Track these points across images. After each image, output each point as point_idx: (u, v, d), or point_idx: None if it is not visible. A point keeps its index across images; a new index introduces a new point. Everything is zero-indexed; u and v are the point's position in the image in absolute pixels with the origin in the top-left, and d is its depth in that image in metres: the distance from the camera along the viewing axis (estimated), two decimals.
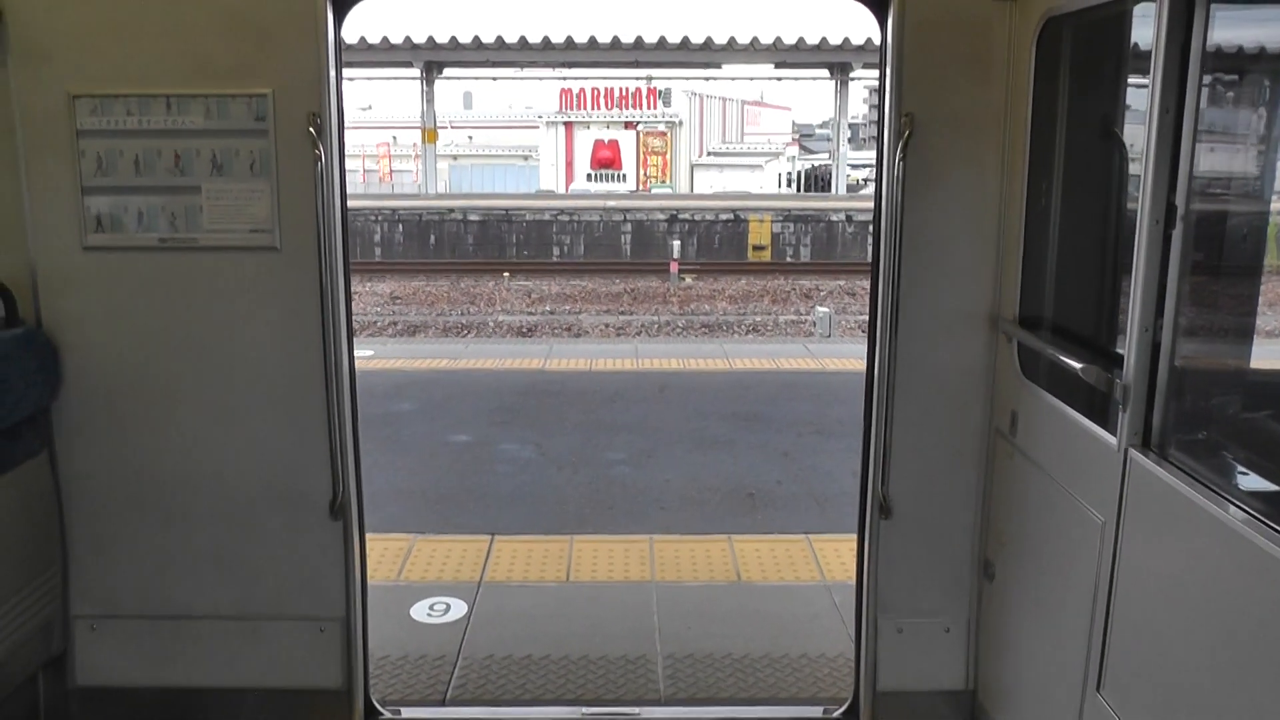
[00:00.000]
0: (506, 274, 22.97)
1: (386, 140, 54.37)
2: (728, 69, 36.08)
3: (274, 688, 3.72)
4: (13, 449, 3.36)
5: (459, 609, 4.89)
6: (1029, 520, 3.29)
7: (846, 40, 30.79)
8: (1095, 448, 2.78)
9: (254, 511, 3.60)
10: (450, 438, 8.62)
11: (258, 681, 3.72)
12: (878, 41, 3.42)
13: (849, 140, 38.34)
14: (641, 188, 44.71)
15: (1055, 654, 3.05)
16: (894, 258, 3.33)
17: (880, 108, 3.46)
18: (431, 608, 4.90)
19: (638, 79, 46.13)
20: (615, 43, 29.15)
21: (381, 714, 3.83)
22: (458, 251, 26.27)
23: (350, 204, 3.67)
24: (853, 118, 44.11)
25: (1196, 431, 2.66)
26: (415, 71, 33.03)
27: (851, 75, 34.11)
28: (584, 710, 4.01)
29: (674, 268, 22.61)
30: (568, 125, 48.83)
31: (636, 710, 4.01)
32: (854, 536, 3.79)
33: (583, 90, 48.27)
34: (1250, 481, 2.50)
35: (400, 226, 26.64)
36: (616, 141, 47.91)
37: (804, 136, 62.50)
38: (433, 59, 32.19)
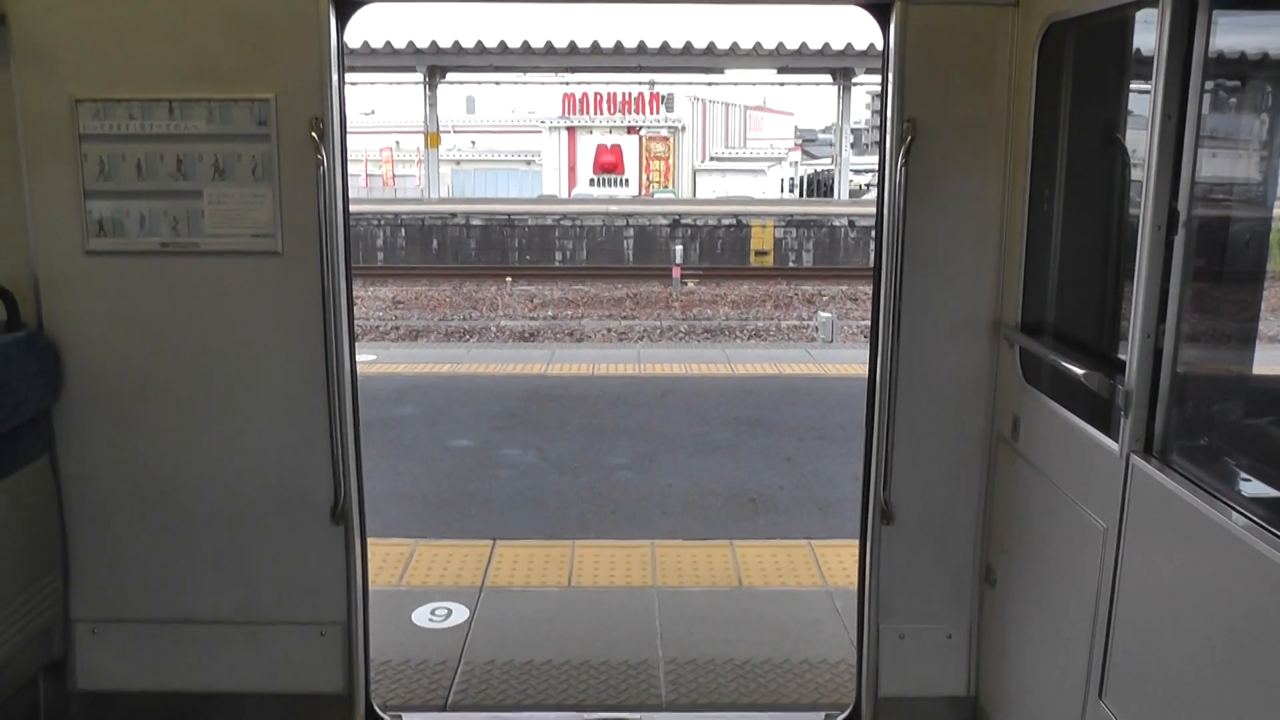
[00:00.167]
0: (509, 279, 22.99)
1: (390, 145, 54.45)
2: (730, 74, 36.12)
3: (275, 692, 3.71)
4: (14, 452, 3.36)
5: (460, 614, 4.89)
6: (1031, 526, 3.28)
7: (849, 45, 30.83)
8: (1097, 454, 2.77)
9: (255, 516, 3.60)
10: (452, 442, 8.62)
11: (259, 686, 3.71)
12: (880, 47, 3.42)
13: (851, 145, 38.36)
14: (644, 193, 44.76)
15: (1057, 660, 3.05)
16: (896, 263, 3.33)
17: (882, 113, 3.46)
18: (433, 612, 4.90)
19: (641, 84, 46.26)
20: (618, 48, 29.19)
21: (383, 719, 3.83)
22: (460, 256, 26.30)
23: (353, 208, 3.67)
24: (855, 123, 44.15)
25: (1198, 437, 2.66)
26: (418, 76, 33.11)
27: (854, 80, 34.16)
28: (586, 715, 4.00)
29: (676, 273, 22.63)
30: (570, 130, 48.91)
31: (638, 715, 4.00)
32: (856, 542, 3.78)
33: (585, 95, 48.38)
34: (1252, 488, 2.50)
35: (403, 231, 26.67)
36: (619, 146, 47.99)
37: (807, 141, 62.59)
38: (436, 63, 32.26)
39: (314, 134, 3.27)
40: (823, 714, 3.97)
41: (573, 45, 29.23)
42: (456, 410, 9.60)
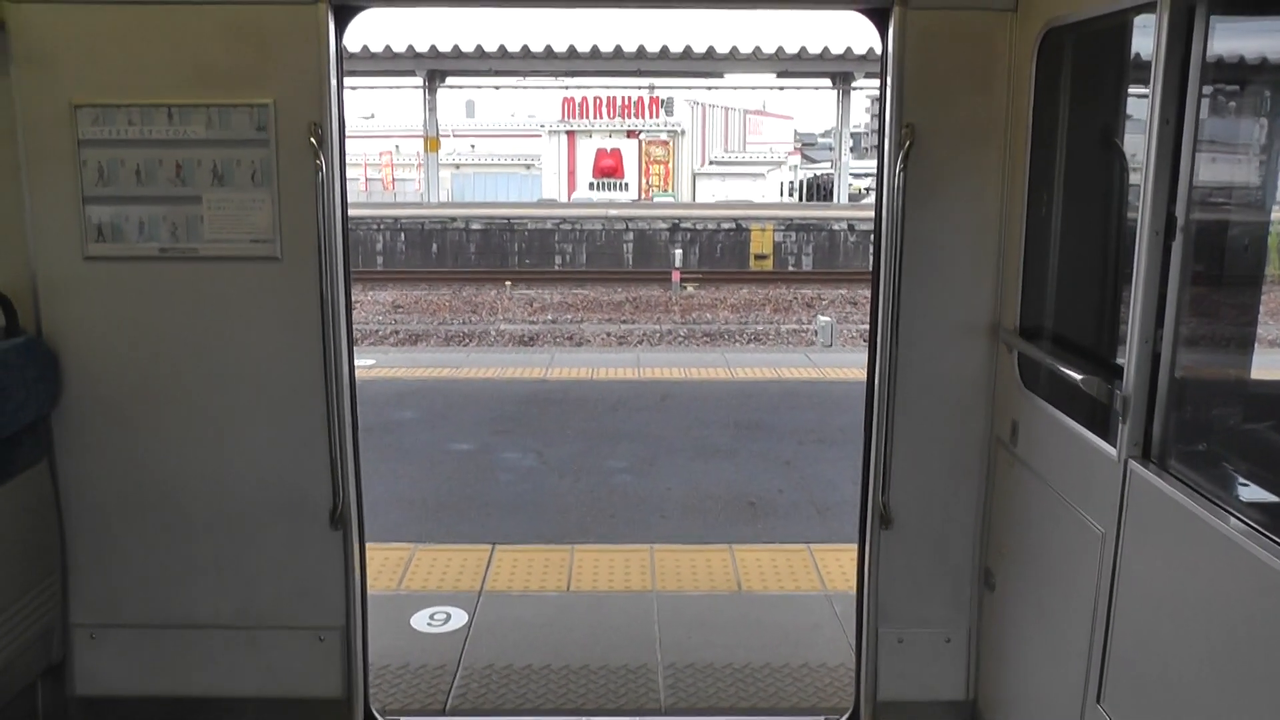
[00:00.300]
0: (508, 283, 22.99)
1: (389, 149, 54.45)
2: (730, 78, 36.12)
3: (273, 697, 3.71)
4: (13, 457, 3.37)
5: (459, 618, 4.89)
6: (1029, 531, 3.28)
7: (849, 50, 30.84)
8: (1095, 459, 2.77)
9: (254, 520, 3.60)
10: (451, 446, 8.62)
11: (257, 691, 3.71)
12: (879, 52, 3.43)
13: (851, 150, 38.35)
14: (644, 196, 44.75)
15: (1055, 665, 3.05)
16: (895, 268, 3.33)
17: (881, 119, 3.46)
18: (432, 617, 4.90)
19: (640, 88, 46.27)
20: (618, 52, 29.21)
21: None
22: (460, 260, 26.29)
23: (352, 212, 3.68)
24: (855, 127, 44.15)
25: (1197, 443, 2.66)
26: (418, 80, 33.10)
27: (853, 85, 34.15)
28: None
29: (676, 276, 22.62)
30: (570, 134, 48.91)
31: None
32: (855, 546, 3.79)
33: (585, 99, 48.36)
34: (1251, 493, 2.50)
35: (402, 235, 26.67)
36: (619, 150, 47.98)
37: (806, 146, 62.56)
38: (435, 68, 32.25)
39: (313, 139, 3.27)
40: (821, 718, 3.97)
41: (572, 49, 29.25)
42: (455, 414, 9.59)
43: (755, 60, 30.74)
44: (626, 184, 46.90)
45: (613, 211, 28.71)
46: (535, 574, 5.44)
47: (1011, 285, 3.38)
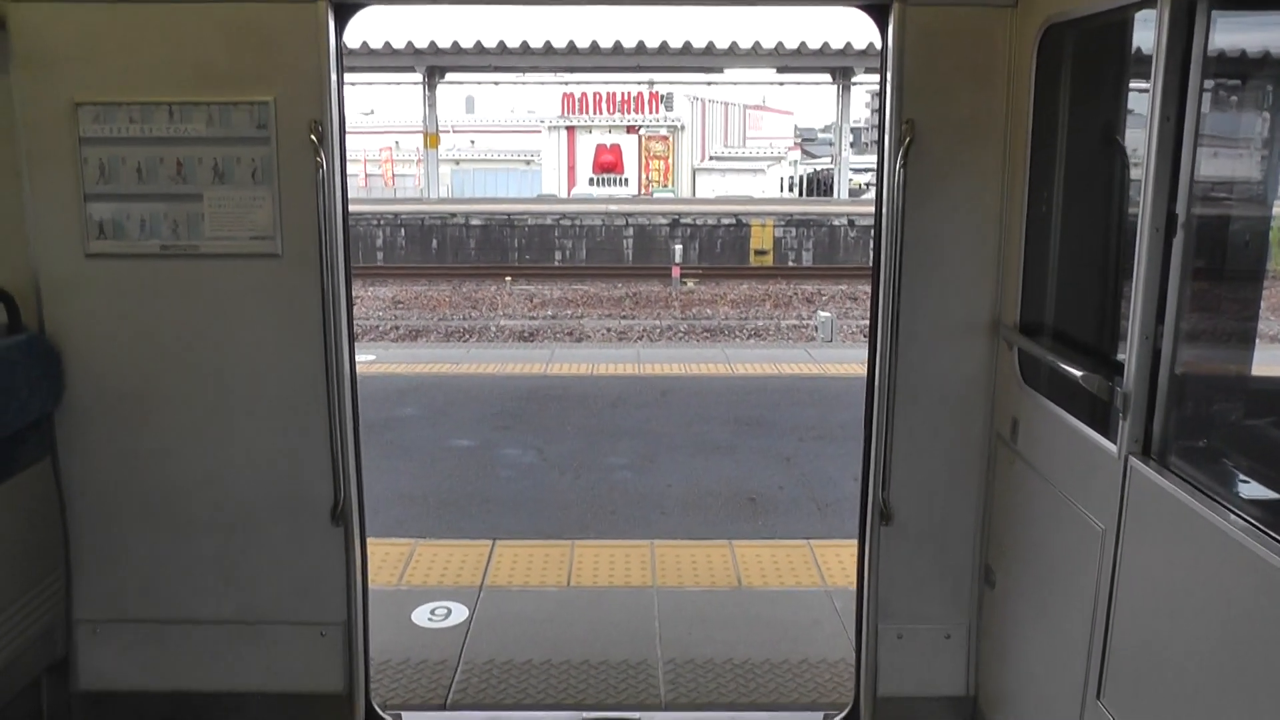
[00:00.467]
0: (508, 278, 23.00)
1: (389, 145, 54.42)
2: (730, 73, 36.09)
3: (275, 692, 3.72)
4: (16, 455, 3.37)
5: (460, 614, 4.89)
6: (1030, 527, 3.29)
7: (848, 45, 30.82)
8: (1096, 455, 2.78)
9: (256, 516, 3.60)
10: (452, 442, 8.62)
11: (259, 686, 3.72)
12: (878, 48, 3.42)
13: (851, 145, 38.35)
14: (643, 192, 44.75)
15: (1055, 661, 3.05)
16: (895, 264, 3.33)
17: (881, 114, 3.46)
18: (433, 612, 4.90)
19: (640, 84, 46.24)
20: (617, 47, 29.18)
21: (382, 718, 3.84)
22: (460, 256, 26.30)
23: (352, 208, 3.68)
24: (855, 122, 44.12)
25: (1197, 439, 2.66)
26: (418, 76, 33.11)
27: (854, 80, 34.15)
28: (584, 715, 4.01)
29: (676, 272, 22.63)
30: (570, 130, 48.90)
31: (637, 715, 4.01)
32: (855, 542, 3.79)
33: (585, 95, 48.36)
34: (1251, 490, 2.50)
35: (402, 231, 26.67)
36: (619, 146, 47.97)
37: (806, 141, 62.55)
38: (435, 64, 32.25)
39: (313, 136, 3.27)
40: (821, 714, 3.98)
41: (572, 45, 29.23)
42: (456, 410, 9.60)
43: (755, 55, 30.73)
44: (626, 179, 46.91)
45: (612, 207, 28.71)
46: (536, 569, 5.45)
47: (1012, 281, 3.38)
